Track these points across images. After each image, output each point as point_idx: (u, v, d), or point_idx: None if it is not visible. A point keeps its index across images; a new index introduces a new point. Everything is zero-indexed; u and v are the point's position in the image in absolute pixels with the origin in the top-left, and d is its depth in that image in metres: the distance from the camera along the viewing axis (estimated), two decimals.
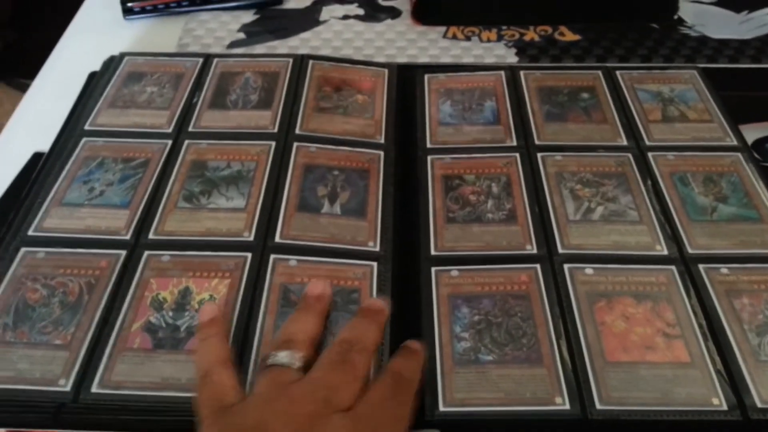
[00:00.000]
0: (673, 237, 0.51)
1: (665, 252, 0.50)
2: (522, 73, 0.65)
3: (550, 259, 0.49)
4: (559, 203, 0.53)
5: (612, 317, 0.46)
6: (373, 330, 0.43)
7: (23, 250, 0.50)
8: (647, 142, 0.58)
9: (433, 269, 0.49)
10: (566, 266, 0.49)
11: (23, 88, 0.72)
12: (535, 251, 0.50)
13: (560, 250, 0.50)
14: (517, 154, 0.57)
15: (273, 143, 0.58)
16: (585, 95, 0.63)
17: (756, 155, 0.59)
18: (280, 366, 0.40)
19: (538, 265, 0.49)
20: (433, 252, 0.50)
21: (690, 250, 0.50)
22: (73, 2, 0.82)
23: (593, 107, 0.62)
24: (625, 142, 0.58)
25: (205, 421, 0.38)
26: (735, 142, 0.58)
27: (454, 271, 0.49)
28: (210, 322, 0.44)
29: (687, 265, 0.49)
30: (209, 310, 0.45)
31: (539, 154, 0.57)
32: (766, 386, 0.42)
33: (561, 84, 0.64)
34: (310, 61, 0.66)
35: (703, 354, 0.44)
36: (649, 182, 0.55)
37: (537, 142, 0.59)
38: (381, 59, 0.70)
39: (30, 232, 0.51)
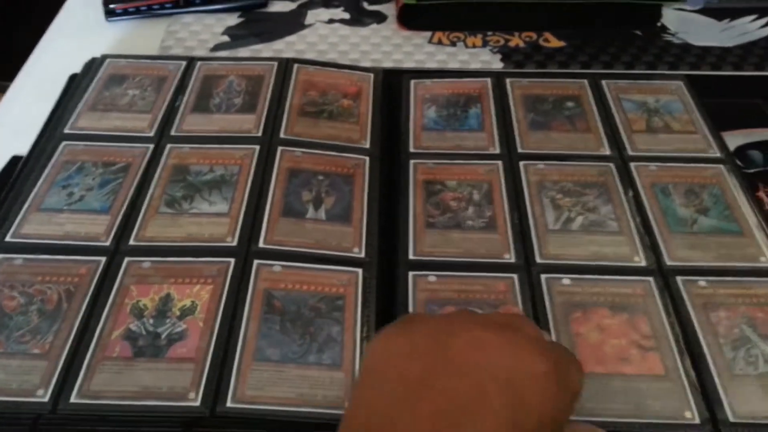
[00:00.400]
0: (652, 248, 0.51)
1: (643, 263, 0.50)
2: (508, 80, 0.65)
3: (527, 268, 0.50)
4: (539, 212, 0.53)
5: (587, 328, 0.46)
6: None
7: (0, 256, 0.50)
8: (630, 152, 0.58)
9: (410, 274, 0.49)
10: (543, 276, 0.49)
11: (3, 90, 0.72)
12: (513, 260, 0.50)
13: (538, 260, 0.50)
14: (500, 162, 0.57)
15: (257, 147, 0.57)
16: (570, 104, 0.63)
17: (738, 162, 0.59)
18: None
19: (515, 275, 0.49)
20: (411, 256, 0.50)
21: (668, 262, 0.50)
22: (53, 4, 0.82)
23: (578, 116, 0.62)
24: (608, 152, 0.58)
25: (391, 326, 0.36)
26: (718, 154, 0.59)
27: (432, 276, 0.49)
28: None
29: (665, 276, 0.49)
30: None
31: (521, 163, 0.57)
32: (739, 400, 0.42)
33: (546, 92, 0.64)
34: (295, 65, 0.66)
35: (677, 367, 0.44)
36: (631, 193, 0.55)
37: (520, 150, 0.59)
38: (366, 63, 0.70)
39: (7, 238, 0.51)
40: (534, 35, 0.74)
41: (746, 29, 0.76)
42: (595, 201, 0.54)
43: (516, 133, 0.60)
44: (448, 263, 0.50)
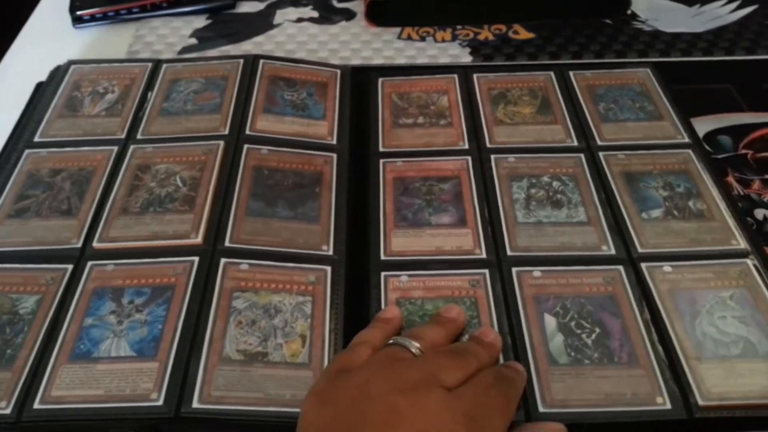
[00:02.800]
0: (620, 237, 0.51)
1: (612, 252, 0.50)
2: (475, 75, 0.65)
3: (498, 263, 0.49)
4: (509, 205, 0.53)
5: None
6: (494, 352, 0.43)
7: None
8: (598, 142, 0.58)
9: (382, 274, 0.49)
10: (514, 269, 0.49)
11: None
12: (484, 255, 0.50)
13: (509, 253, 0.50)
14: (469, 157, 0.57)
15: (221, 143, 0.57)
16: (538, 97, 0.63)
17: (708, 148, 0.59)
18: (400, 345, 0.41)
19: (486, 270, 0.49)
20: (383, 257, 0.50)
21: (640, 249, 0.50)
22: (21, 13, 0.81)
23: (545, 109, 0.62)
24: (575, 143, 0.58)
25: (321, 379, 0.40)
26: (686, 140, 0.58)
27: (404, 276, 0.49)
28: (386, 319, 0.45)
29: (634, 264, 0.49)
30: (392, 310, 0.46)
31: (492, 156, 0.57)
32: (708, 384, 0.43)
33: (513, 86, 0.64)
34: (261, 61, 0.66)
35: (648, 353, 0.44)
36: (600, 183, 0.55)
37: (489, 144, 0.58)
38: (336, 61, 0.70)
39: None
40: (503, 28, 0.74)
41: (717, 14, 0.76)
42: (565, 192, 0.54)
43: (484, 128, 0.60)
44: (419, 261, 0.50)
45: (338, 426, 0.36)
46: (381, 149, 0.59)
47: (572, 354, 0.44)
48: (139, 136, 0.59)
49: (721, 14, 0.76)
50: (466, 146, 0.58)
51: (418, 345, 0.41)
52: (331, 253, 0.50)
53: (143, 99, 0.62)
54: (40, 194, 0.54)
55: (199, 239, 0.50)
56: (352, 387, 0.38)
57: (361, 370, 0.39)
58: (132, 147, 0.57)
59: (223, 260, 0.48)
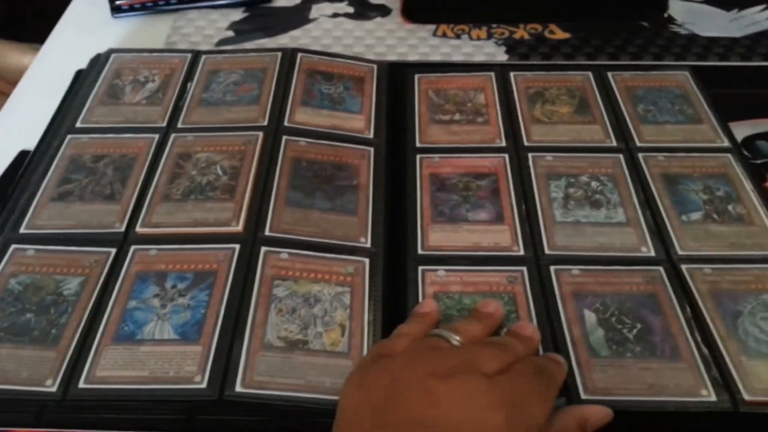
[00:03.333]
0: (660, 239, 0.51)
1: (652, 253, 0.50)
2: (512, 74, 0.65)
3: (536, 261, 0.49)
4: (546, 204, 0.53)
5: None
6: (533, 344, 0.44)
7: (13, 247, 0.50)
8: (638, 143, 0.58)
9: (420, 268, 0.49)
10: (552, 267, 0.49)
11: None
12: (522, 252, 0.50)
13: (547, 252, 0.50)
14: (506, 155, 0.57)
15: (260, 134, 0.57)
16: (576, 96, 0.63)
17: (746, 153, 0.59)
18: (439, 337, 0.41)
19: (524, 267, 0.49)
20: (420, 251, 0.50)
21: (680, 252, 0.50)
22: (64, 4, 0.82)
23: (583, 108, 0.62)
24: (614, 143, 0.58)
25: (361, 364, 0.41)
26: (725, 144, 0.58)
27: (441, 270, 0.49)
28: (423, 313, 0.45)
29: (674, 265, 0.49)
30: (429, 304, 0.46)
31: (530, 154, 0.57)
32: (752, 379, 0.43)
33: (551, 85, 0.64)
34: (299, 54, 0.66)
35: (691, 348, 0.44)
36: (639, 184, 0.55)
37: (526, 142, 0.59)
38: (371, 57, 0.70)
39: (21, 230, 0.51)
40: (539, 27, 0.74)
41: (754, 19, 0.76)
42: (604, 192, 0.54)
43: (521, 126, 0.60)
44: (456, 257, 0.50)
45: (374, 407, 0.37)
46: (418, 144, 0.59)
47: (614, 347, 0.44)
48: (179, 125, 0.59)
49: (759, 20, 0.76)
50: (504, 144, 0.58)
51: (457, 338, 0.41)
52: (369, 245, 0.50)
53: (183, 89, 0.63)
54: (83, 179, 0.55)
55: (239, 227, 0.50)
56: (390, 371, 0.38)
57: (399, 356, 0.39)
58: (173, 135, 0.58)
59: (263, 249, 0.49)
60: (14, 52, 0.94)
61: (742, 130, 0.61)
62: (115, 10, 0.76)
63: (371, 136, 0.59)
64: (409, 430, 0.35)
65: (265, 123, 0.59)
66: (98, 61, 0.67)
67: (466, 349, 0.40)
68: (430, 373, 0.37)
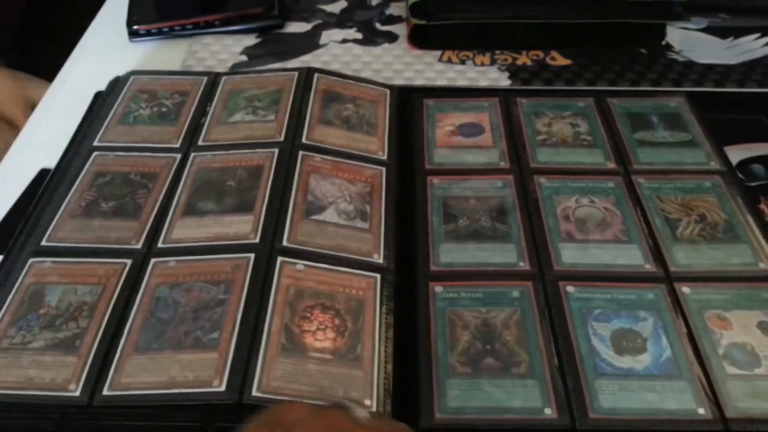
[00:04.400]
0: (658, 257, 0.53)
1: (654, 270, 0.52)
2: (516, 99, 0.68)
3: (541, 277, 0.52)
4: (552, 223, 0.55)
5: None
6: None
7: (31, 260, 0.52)
8: (634, 166, 0.60)
9: (430, 285, 0.51)
10: (560, 284, 0.51)
11: None
12: (528, 268, 0.52)
13: (555, 267, 0.52)
14: (511, 176, 0.60)
15: (276, 150, 0.60)
16: (577, 121, 0.65)
17: (740, 175, 0.61)
18: (343, 408, 0.38)
19: (530, 282, 0.51)
20: (432, 268, 0.53)
21: (672, 269, 0.52)
22: (76, 28, 0.85)
23: (585, 132, 0.64)
24: (614, 166, 0.60)
25: (252, 428, 0.37)
26: (718, 167, 0.61)
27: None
28: None
29: (671, 283, 0.51)
30: None
31: (535, 176, 0.60)
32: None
33: (553, 110, 0.66)
34: (315, 75, 0.68)
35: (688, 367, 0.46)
36: (638, 204, 0.57)
37: (532, 164, 0.61)
38: (379, 81, 0.72)
39: (42, 243, 0.53)
40: (541, 54, 0.77)
41: (750, 47, 0.78)
42: (605, 213, 0.56)
43: (527, 149, 0.62)
44: (466, 273, 0.52)
45: None
46: (427, 167, 0.61)
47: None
48: (200, 143, 0.62)
49: (754, 48, 0.78)
50: (508, 166, 0.61)
51: (363, 412, 0.37)
52: (381, 261, 0.52)
53: (202, 109, 0.65)
54: (106, 195, 0.57)
55: (257, 239, 0.52)
56: None
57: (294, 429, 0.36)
58: (193, 154, 0.60)
59: (279, 258, 0.51)
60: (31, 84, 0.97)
61: (738, 153, 0.64)
62: (133, 34, 0.79)
63: (384, 157, 0.61)
64: None
65: (282, 139, 0.61)
66: (117, 83, 0.69)
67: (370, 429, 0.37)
68: None
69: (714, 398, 0.45)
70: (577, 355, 0.47)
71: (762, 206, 0.59)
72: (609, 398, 0.45)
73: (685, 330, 0.48)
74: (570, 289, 0.51)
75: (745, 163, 0.63)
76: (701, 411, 0.44)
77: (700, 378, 0.46)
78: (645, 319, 0.49)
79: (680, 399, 0.45)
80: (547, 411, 0.44)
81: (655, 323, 0.49)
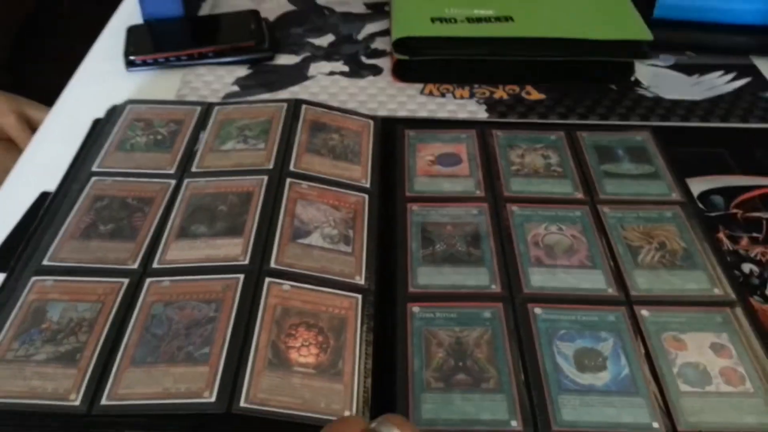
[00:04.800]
0: (620, 281, 0.57)
1: (615, 294, 0.56)
2: (492, 131, 0.72)
3: (512, 299, 0.55)
4: (523, 249, 0.59)
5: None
6: None
7: (33, 278, 0.55)
8: (600, 196, 0.64)
9: (408, 305, 0.55)
10: (529, 306, 0.55)
11: None
12: (499, 290, 0.56)
13: (525, 290, 0.56)
14: (486, 204, 0.64)
15: (266, 177, 0.63)
16: (549, 153, 0.70)
17: (701, 206, 0.65)
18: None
19: (500, 304, 0.55)
20: (410, 290, 0.56)
21: (633, 292, 0.56)
22: (67, 49, 0.88)
23: (555, 164, 0.68)
24: (582, 196, 0.65)
25: None
26: (679, 197, 0.65)
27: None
28: None
29: (630, 306, 0.55)
30: None
31: (507, 204, 0.64)
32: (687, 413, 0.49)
33: (527, 142, 0.71)
34: (303, 106, 0.72)
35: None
36: (602, 234, 0.61)
37: (505, 193, 0.65)
38: (363, 111, 0.76)
39: (44, 262, 0.56)
40: (517, 88, 0.81)
41: (714, 84, 0.82)
42: (572, 240, 0.60)
43: (501, 178, 0.66)
44: (441, 294, 0.56)
45: None
46: (407, 194, 0.65)
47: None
48: (193, 169, 0.65)
49: (718, 84, 0.82)
50: (483, 194, 0.65)
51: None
52: (363, 282, 0.56)
53: (196, 137, 0.69)
54: (105, 218, 0.60)
55: (246, 260, 0.56)
56: None
57: None
58: (186, 180, 0.64)
59: (267, 279, 0.54)
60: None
61: (699, 185, 0.67)
62: (129, 64, 0.82)
63: (368, 185, 0.65)
64: None
65: (271, 167, 0.64)
66: (115, 111, 0.73)
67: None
68: None
69: (667, 413, 0.48)
70: (543, 372, 0.50)
71: (721, 235, 0.63)
72: (571, 412, 0.48)
73: (643, 350, 0.52)
74: (537, 310, 0.55)
75: (706, 195, 0.67)
76: (655, 425, 0.48)
77: (656, 394, 0.49)
78: (606, 340, 0.53)
79: (636, 413, 0.48)
80: (513, 423, 0.48)
81: (615, 343, 0.52)
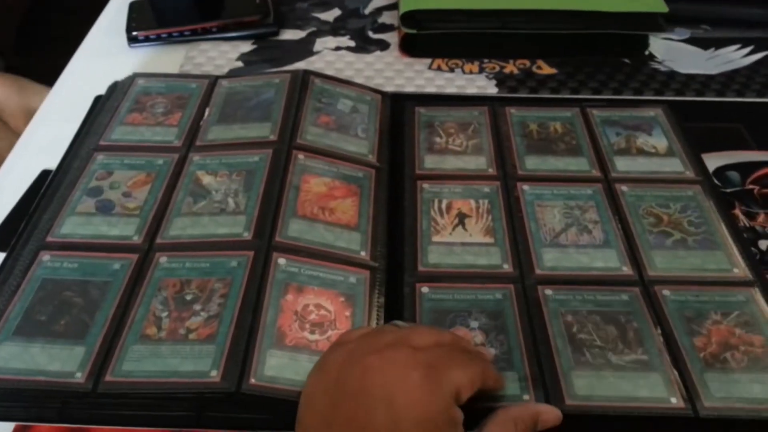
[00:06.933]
0: (635, 261, 0.55)
1: (630, 273, 0.55)
2: (505, 108, 0.70)
3: (522, 280, 0.54)
4: (534, 228, 0.58)
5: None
6: (464, 340, 0.49)
7: (42, 252, 0.54)
8: (613, 174, 0.63)
9: (417, 286, 0.54)
10: (539, 288, 0.54)
11: None
12: (511, 269, 0.55)
13: (537, 271, 0.55)
14: (498, 183, 0.62)
15: (271, 150, 0.62)
16: (563, 130, 0.68)
17: (716, 182, 0.64)
18: (392, 324, 0.48)
19: (511, 285, 0.54)
20: (420, 268, 0.55)
21: (650, 273, 0.55)
22: (73, 30, 0.87)
23: (569, 140, 0.67)
24: (597, 173, 0.63)
25: (326, 351, 0.47)
26: (694, 175, 0.63)
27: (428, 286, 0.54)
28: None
29: (647, 287, 0.54)
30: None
31: (518, 183, 0.62)
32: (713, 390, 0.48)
33: (540, 119, 0.69)
34: (311, 77, 0.70)
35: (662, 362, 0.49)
36: (617, 213, 0.59)
37: (519, 172, 0.63)
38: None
39: (48, 239, 0.55)
40: (527, 63, 0.79)
41: (730, 58, 0.80)
42: (587, 218, 0.59)
43: (515, 156, 0.65)
44: (451, 274, 0.55)
45: (326, 386, 0.42)
46: (417, 172, 0.63)
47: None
48: (198, 143, 0.64)
49: (734, 58, 0.80)
50: (495, 172, 0.63)
51: (406, 324, 0.47)
52: (369, 258, 0.55)
53: (201, 111, 0.67)
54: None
55: (250, 236, 0.55)
56: (342, 355, 0.44)
57: (353, 341, 0.45)
58: (191, 155, 0.63)
59: (275, 255, 0.53)
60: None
61: (715, 161, 0.66)
62: (132, 40, 0.81)
63: (375, 160, 0.64)
64: (351, 401, 0.40)
65: (276, 139, 0.63)
66: (116, 88, 0.71)
67: (403, 329, 0.45)
68: (369, 351, 0.43)
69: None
70: (554, 349, 0.50)
71: (737, 211, 0.61)
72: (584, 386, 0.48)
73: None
74: (548, 292, 0.53)
75: (721, 170, 0.65)
76: (673, 400, 0.47)
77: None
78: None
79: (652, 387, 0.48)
80: (526, 397, 0.47)
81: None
